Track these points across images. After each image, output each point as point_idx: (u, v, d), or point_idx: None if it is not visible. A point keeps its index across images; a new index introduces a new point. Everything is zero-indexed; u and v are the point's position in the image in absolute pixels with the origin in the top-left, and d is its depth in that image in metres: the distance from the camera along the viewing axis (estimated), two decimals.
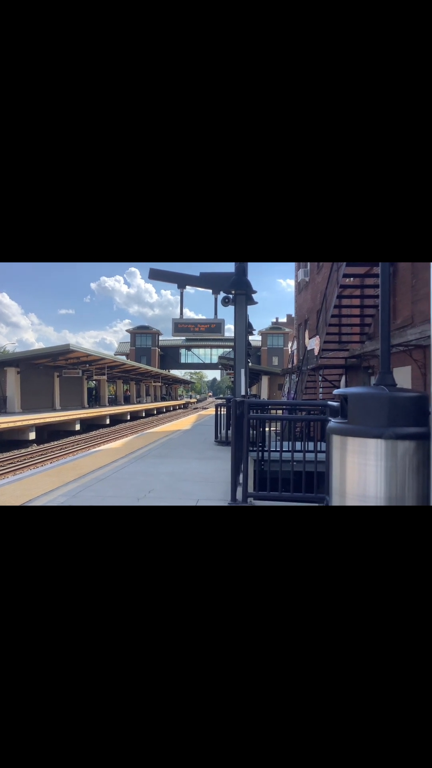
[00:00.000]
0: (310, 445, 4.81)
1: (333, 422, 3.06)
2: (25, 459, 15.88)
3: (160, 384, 57.04)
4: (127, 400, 44.49)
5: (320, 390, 13.02)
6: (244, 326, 8.54)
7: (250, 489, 4.70)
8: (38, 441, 20.52)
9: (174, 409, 53.96)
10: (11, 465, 14.54)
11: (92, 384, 37.68)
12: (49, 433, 22.77)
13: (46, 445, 19.88)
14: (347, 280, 9.88)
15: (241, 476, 4.61)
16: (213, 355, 62.48)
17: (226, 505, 4.48)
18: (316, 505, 4.26)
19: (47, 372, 27.93)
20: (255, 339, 53.57)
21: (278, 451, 4.81)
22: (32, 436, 19.96)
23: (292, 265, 21.94)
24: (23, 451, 17.84)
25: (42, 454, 17.00)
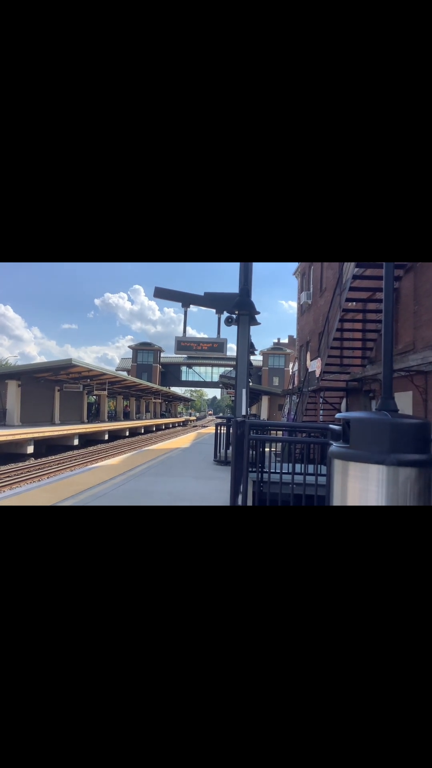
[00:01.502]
0: (310, 468, 4.78)
1: (335, 446, 3.05)
2: (21, 473, 15.75)
3: (160, 401, 57.01)
4: (127, 416, 44.38)
5: (321, 412, 13.01)
6: (246, 346, 8.59)
7: None
8: (36, 455, 20.40)
9: (173, 426, 53.79)
10: (8, 479, 14.43)
11: (92, 399, 37.65)
12: (48, 447, 22.64)
13: (43, 459, 19.75)
14: (350, 304, 9.98)
15: (240, 497, 4.57)
16: (214, 373, 62.64)
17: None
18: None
19: (48, 386, 27.95)
20: (256, 359, 53.78)
21: (278, 473, 4.77)
22: (30, 449, 19.86)
23: (294, 288, 22.17)
24: (21, 464, 17.71)
25: (39, 469, 16.88)
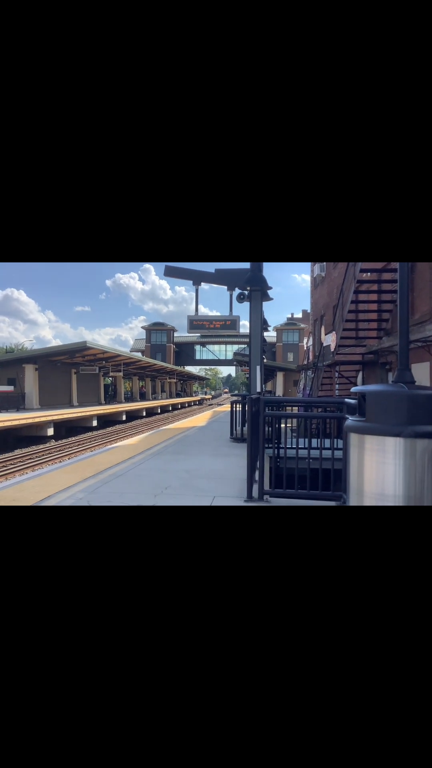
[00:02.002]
0: (327, 442, 4.78)
1: (350, 420, 3.04)
2: (43, 455, 16.14)
3: (175, 380, 57.30)
4: (143, 397, 44.81)
5: (336, 386, 12.91)
6: (259, 323, 8.51)
7: (266, 486, 4.69)
8: (56, 437, 20.83)
9: (189, 406, 54.15)
10: (30, 461, 14.81)
11: (109, 380, 38.05)
12: (67, 429, 23.09)
13: (63, 441, 20.18)
14: (364, 275, 9.75)
15: (257, 473, 4.61)
16: (228, 351, 62.51)
17: (242, 502, 4.49)
18: (332, 504, 4.24)
19: (65, 369, 28.31)
20: (270, 335, 53.34)
21: (294, 448, 4.79)
22: (50, 432, 20.28)
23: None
24: (42, 446, 18.14)
25: (60, 450, 17.26)
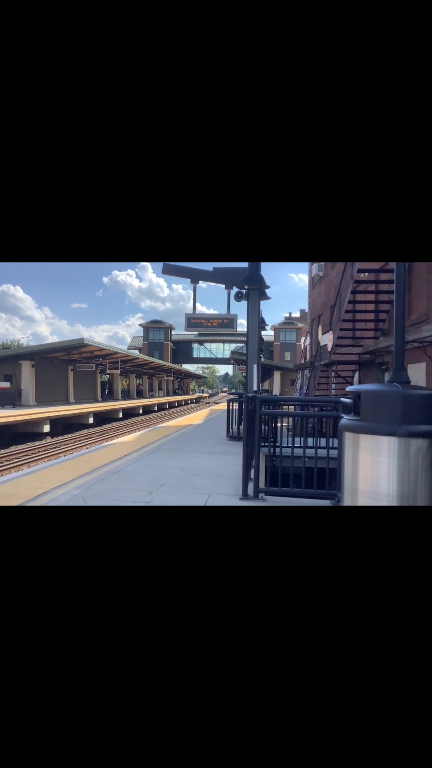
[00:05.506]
0: (322, 441, 4.81)
1: (345, 419, 3.05)
2: (39, 451, 16.11)
3: (172, 378, 57.24)
4: (140, 394, 44.74)
5: (333, 386, 12.94)
6: (256, 321, 8.51)
7: (262, 484, 4.71)
8: (52, 434, 20.79)
9: (186, 404, 54.13)
10: (26, 457, 14.78)
11: (106, 378, 37.97)
12: (63, 426, 23.04)
13: (59, 437, 20.14)
14: (362, 275, 9.77)
15: (252, 471, 4.63)
16: (225, 349, 62.47)
17: (238, 500, 4.50)
18: (327, 504, 4.26)
19: (61, 365, 28.23)
20: (267, 334, 53.33)
21: (290, 447, 4.81)
22: (46, 428, 20.24)
23: None
24: (38, 443, 18.09)
25: (56, 447, 17.22)
